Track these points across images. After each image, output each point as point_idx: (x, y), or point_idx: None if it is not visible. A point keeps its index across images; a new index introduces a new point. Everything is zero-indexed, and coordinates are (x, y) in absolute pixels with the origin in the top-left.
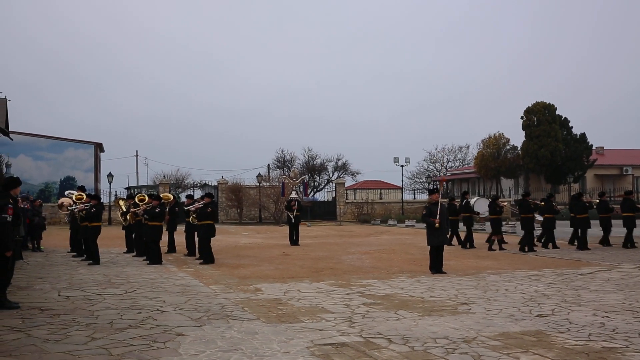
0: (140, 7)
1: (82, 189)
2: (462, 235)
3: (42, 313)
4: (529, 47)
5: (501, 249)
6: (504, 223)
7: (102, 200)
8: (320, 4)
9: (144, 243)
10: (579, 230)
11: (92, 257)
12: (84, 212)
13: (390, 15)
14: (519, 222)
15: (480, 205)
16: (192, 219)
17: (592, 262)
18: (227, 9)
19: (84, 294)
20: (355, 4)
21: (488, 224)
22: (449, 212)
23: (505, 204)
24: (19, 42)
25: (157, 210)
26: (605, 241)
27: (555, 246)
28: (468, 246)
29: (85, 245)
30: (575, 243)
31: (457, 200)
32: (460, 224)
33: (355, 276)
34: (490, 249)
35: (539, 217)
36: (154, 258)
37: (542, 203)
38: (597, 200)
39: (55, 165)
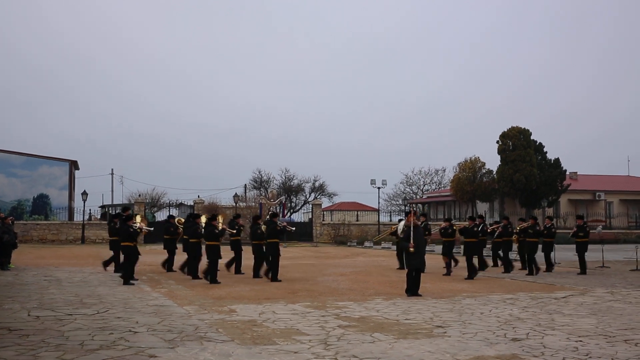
0: (121, 20)
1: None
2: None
3: (11, 333)
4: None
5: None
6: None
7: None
8: (299, 27)
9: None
10: None
11: None
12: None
13: (367, 37)
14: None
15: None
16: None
17: (565, 286)
18: (209, 27)
19: (55, 314)
20: (333, 27)
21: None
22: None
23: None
24: None
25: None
26: None
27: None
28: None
29: None
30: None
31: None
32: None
33: (330, 298)
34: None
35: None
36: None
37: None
38: None
39: (28, 182)
